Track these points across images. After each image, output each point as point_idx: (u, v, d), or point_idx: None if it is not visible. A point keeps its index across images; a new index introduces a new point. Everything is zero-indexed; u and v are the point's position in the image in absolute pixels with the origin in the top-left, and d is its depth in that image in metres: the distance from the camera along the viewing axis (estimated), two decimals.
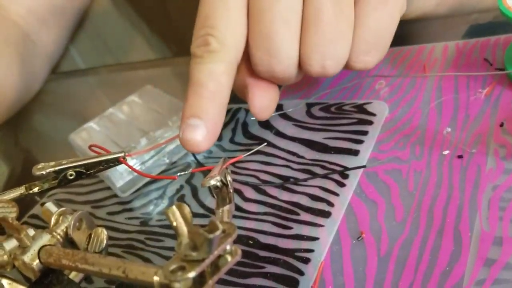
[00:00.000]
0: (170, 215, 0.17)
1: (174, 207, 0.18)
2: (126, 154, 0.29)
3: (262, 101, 0.29)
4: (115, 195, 0.36)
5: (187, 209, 0.18)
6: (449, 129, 0.28)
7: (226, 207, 0.20)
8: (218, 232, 0.16)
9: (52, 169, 0.26)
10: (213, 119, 0.25)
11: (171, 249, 0.29)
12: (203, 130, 0.25)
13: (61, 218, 0.21)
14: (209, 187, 0.22)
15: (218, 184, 0.22)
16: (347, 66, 0.28)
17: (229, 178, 0.23)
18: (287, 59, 0.27)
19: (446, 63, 0.32)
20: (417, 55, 0.34)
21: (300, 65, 0.27)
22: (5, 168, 0.50)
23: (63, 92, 0.58)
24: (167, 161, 0.36)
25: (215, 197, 0.22)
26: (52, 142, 0.55)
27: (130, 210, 0.34)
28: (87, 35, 0.65)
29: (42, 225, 0.36)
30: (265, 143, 0.32)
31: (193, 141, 0.25)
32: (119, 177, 0.35)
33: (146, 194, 0.35)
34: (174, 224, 0.17)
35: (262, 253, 0.26)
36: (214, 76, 0.26)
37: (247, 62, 0.28)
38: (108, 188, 0.36)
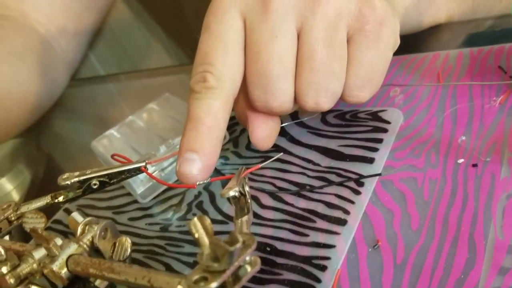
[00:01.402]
0: (192, 227, 0.18)
1: (196, 219, 0.18)
2: (147, 162, 0.31)
3: (263, 132, 0.30)
4: (136, 201, 0.36)
5: (208, 221, 0.18)
6: (463, 138, 0.28)
7: (245, 218, 0.21)
8: (238, 245, 0.16)
9: (76, 179, 0.27)
10: (208, 153, 0.27)
11: (191, 254, 0.30)
12: (198, 164, 0.26)
13: (87, 228, 0.22)
14: (227, 197, 0.23)
15: (237, 194, 0.22)
16: (341, 99, 0.29)
17: (246, 188, 0.23)
18: (283, 96, 0.28)
19: (461, 71, 0.33)
20: (432, 62, 0.35)
21: (296, 100, 0.29)
22: (28, 173, 0.51)
23: (83, 98, 0.60)
24: None
25: (234, 206, 0.23)
26: (73, 146, 0.56)
27: (150, 216, 0.35)
28: (106, 41, 0.66)
29: (65, 231, 0.37)
30: (281, 153, 0.33)
31: (189, 175, 0.26)
32: (140, 183, 0.36)
33: (166, 200, 0.36)
34: (196, 236, 0.18)
35: (279, 260, 0.26)
36: (211, 112, 0.27)
37: (246, 95, 0.30)
38: (129, 194, 0.37)
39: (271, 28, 0.27)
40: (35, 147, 0.55)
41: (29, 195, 0.48)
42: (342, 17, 0.27)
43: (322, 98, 0.28)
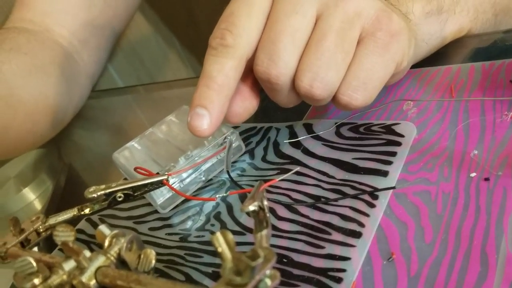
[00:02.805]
0: (215, 241, 0.19)
1: (218, 233, 0.19)
2: (167, 173, 0.32)
3: (235, 108, 0.32)
4: (156, 211, 0.38)
5: (230, 236, 0.20)
6: (476, 152, 0.29)
7: (264, 232, 0.22)
8: (260, 260, 0.17)
9: (102, 192, 0.28)
10: (217, 110, 0.29)
11: (210, 265, 0.31)
12: (207, 119, 0.29)
13: (114, 241, 0.23)
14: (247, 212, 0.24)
15: (256, 209, 0.23)
16: (334, 99, 0.30)
17: (265, 202, 0.24)
18: (283, 67, 0.29)
19: (473, 85, 0.33)
20: (444, 76, 0.35)
21: (294, 79, 0.30)
22: (50, 183, 0.53)
23: (103, 108, 0.61)
24: (203, 178, 0.38)
25: (253, 219, 0.24)
26: (92, 156, 0.58)
27: (170, 226, 0.36)
28: (124, 53, 0.68)
29: (87, 240, 0.38)
30: (298, 168, 0.33)
31: (199, 128, 0.29)
32: (160, 194, 0.37)
33: (185, 211, 0.37)
34: (219, 250, 0.19)
35: (296, 272, 0.27)
36: (223, 71, 0.29)
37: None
38: (149, 204, 0.39)
39: (294, 3, 0.28)
40: (56, 157, 0.56)
41: (51, 204, 0.49)
42: (360, 18, 0.29)
43: (316, 83, 0.29)
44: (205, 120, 0.29)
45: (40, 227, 0.28)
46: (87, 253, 0.23)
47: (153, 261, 0.24)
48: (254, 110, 0.33)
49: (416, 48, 0.34)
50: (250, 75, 0.32)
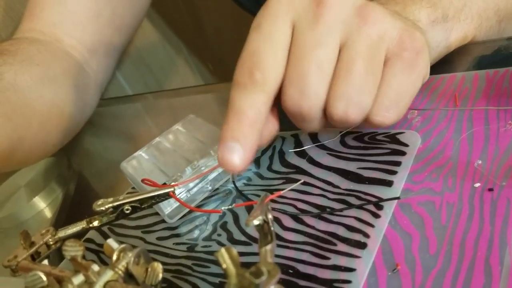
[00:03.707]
0: (220, 257, 0.20)
1: (223, 250, 0.20)
2: (173, 184, 0.32)
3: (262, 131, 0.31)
4: (163, 221, 0.38)
5: (235, 252, 0.20)
6: (480, 162, 0.29)
7: (269, 247, 0.22)
8: (263, 278, 0.18)
9: (110, 205, 0.28)
10: (250, 144, 0.29)
11: (217, 275, 0.31)
12: (240, 153, 0.29)
13: (121, 255, 0.24)
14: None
15: (261, 223, 0.24)
16: (367, 120, 0.31)
17: (269, 216, 0.25)
18: (315, 98, 0.30)
19: (477, 93, 0.33)
20: (448, 84, 0.36)
21: (326, 108, 0.30)
22: (59, 191, 0.53)
23: (112, 116, 0.62)
24: (210, 188, 0.39)
25: (258, 233, 0.24)
26: (101, 164, 0.59)
27: (177, 235, 0.36)
28: (131, 59, 0.69)
29: (96, 249, 0.39)
30: (302, 180, 0.34)
31: (231, 162, 0.28)
32: (167, 204, 0.37)
33: (192, 220, 0.37)
34: (224, 266, 0.19)
35: (302, 283, 0.27)
36: (255, 106, 0.29)
37: None
38: (157, 213, 0.39)
39: (318, 37, 0.29)
40: (66, 165, 0.57)
41: (61, 213, 0.50)
42: (384, 40, 0.29)
43: (351, 109, 0.29)
44: (237, 154, 0.28)
45: (50, 240, 0.28)
46: (96, 267, 0.23)
47: (160, 275, 0.24)
48: (276, 132, 0.33)
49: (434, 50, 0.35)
50: None
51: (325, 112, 0.30)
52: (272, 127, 0.33)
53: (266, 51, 0.29)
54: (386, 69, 0.29)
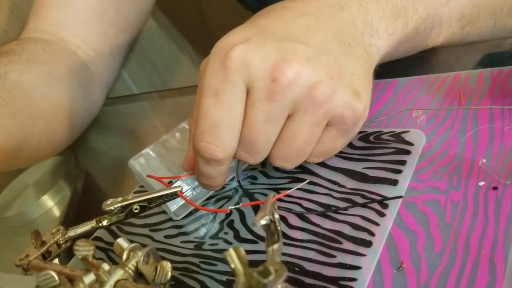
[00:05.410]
0: (228, 257, 0.20)
1: (231, 250, 0.20)
2: (175, 176, 0.33)
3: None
4: (171, 219, 0.39)
5: (242, 252, 0.20)
6: (484, 160, 0.29)
7: (276, 246, 0.23)
8: (271, 277, 0.18)
9: (119, 205, 0.29)
10: (223, 182, 0.35)
11: (224, 273, 0.32)
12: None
13: (131, 254, 0.24)
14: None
15: (267, 222, 0.24)
16: None
17: (276, 215, 0.25)
18: (261, 158, 0.33)
19: (481, 92, 0.34)
20: (453, 82, 0.36)
21: (268, 157, 0.33)
22: (67, 189, 0.54)
23: (119, 115, 0.63)
24: None
25: (265, 233, 0.25)
26: (108, 162, 0.59)
27: (185, 234, 0.37)
28: (137, 58, 0.69)
29: (105, 247, 0.39)
30: (307, 180, 0.34)
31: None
32: (173, 201, 0.38)
33: (198, 218, 0.38)
34: (232, 266, 0.20)
35: (308, 280, 0.28)
36: (220, 176, 0.33)
37: None
38: (164, 212, 0.40)
39: (269, 113, 0.30)
40: (73, 163, 0.58)
41: (69, 211, 0.50)
42: (328, 116, 0.31)
43: (288, 165, 0.33)
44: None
45: (60, 239, 0.29)
46: (106, 266, 0.24)
47: (169, 273, 0.24)
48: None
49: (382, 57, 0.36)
50: None
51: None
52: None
53: (226, 125, 0.30)
54: (324, 132, 0.32)
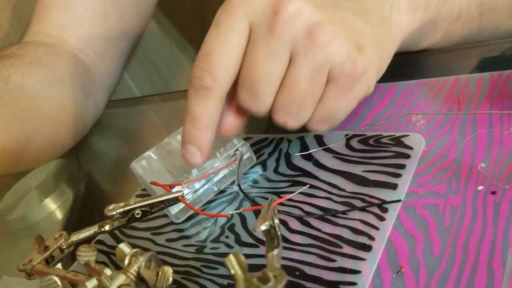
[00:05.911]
0: (228, 263, 0.20)
1: (231, 256, 0.21)
2: (178, 183, 0.33)
3: (230, 123, 0.35)
4: (172, 223, 0.39)
5: (242, 258, 0.21)
6: (483, 165, 0.29)
7: (276, 251, 0.23)
8: (270, 284, 0.18)
9: (121, 210, 0.29)
10: (206, 145, 0.33)
11: (225, 277, 0.32)
12: (198, 154, 0.33)
13: (133, 259, 0.25)
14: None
15: (267, 227, 0.24)
16: (305, 125, 0.34)
17: (276, 221, 0.25)
18: (262, 105, 0.32)
19: (481, 96, 0.34)
20: (452, 87, 0.36)
21: (270, 112, 0.33)
22: (70, 192, 0.54)
23: (121, 117, 0.63)
24: (216, 189, 0.39)
25: (265, 238, 0.25)
26: (111, 164, 0.60)
27: (186, 237, 0.37)
28: (138, 60, 0.69)
29: (107, 251, 0.39)
30: (308, 185, 0.34)
31: (193, 161, 0.34)
32: (174, 205, 0.38)
33: (199, 222, 0.38)
34: (232, 272, 0.20)
35: (308, 285, 0.28)
36: (206, 112, 0.32)
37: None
38: (166, 215, 0.40)
39: (270, 49, 0.30)
40: (76, 166, 0.58)
41: (72, 214, 0.51)
42: (327, 64, 0.31)
43: (290, 120, 0.33)
44: (197, 156, 0.34)
45: (63, 244, 0.29)
46: (108, 271, 0.24)
47: (171, 278, 0.25)
48: (242, 124, 0.35)
49: (400, 42, 0.36)
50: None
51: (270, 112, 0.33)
52: (234, 120, 0.35)
53: (221, 54, 0.31)
54: (325, 90, 0.32)
